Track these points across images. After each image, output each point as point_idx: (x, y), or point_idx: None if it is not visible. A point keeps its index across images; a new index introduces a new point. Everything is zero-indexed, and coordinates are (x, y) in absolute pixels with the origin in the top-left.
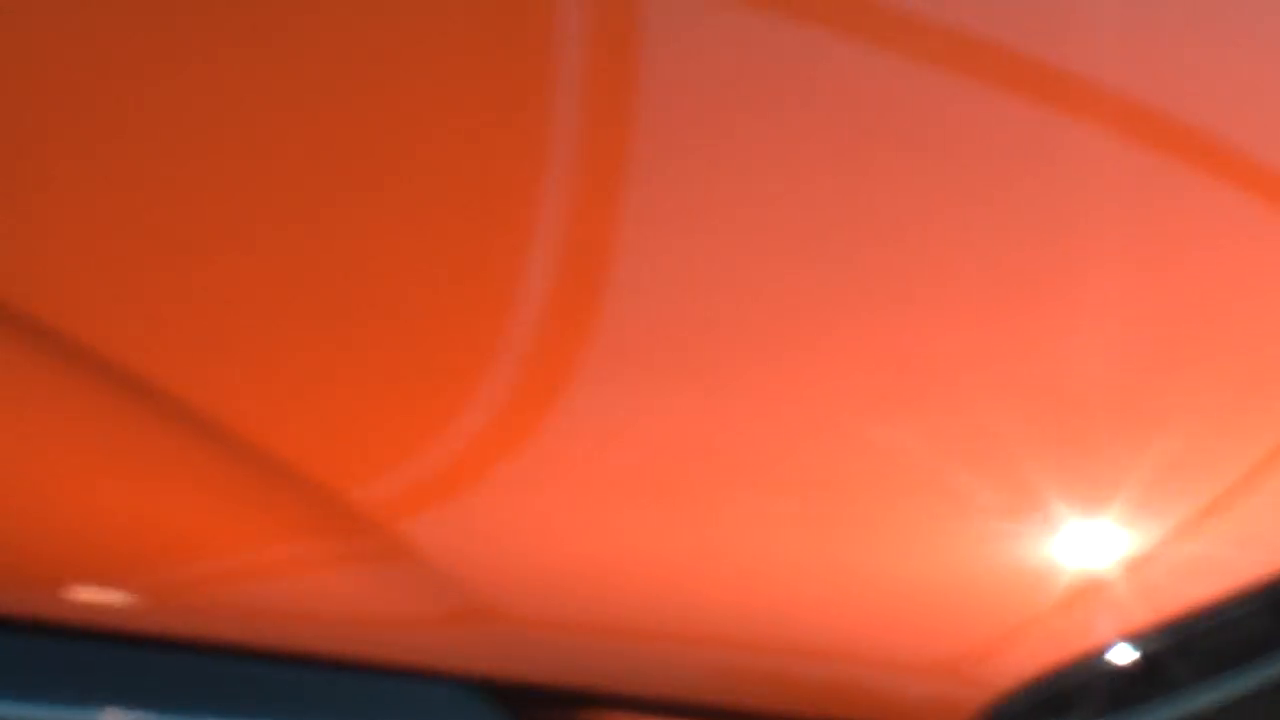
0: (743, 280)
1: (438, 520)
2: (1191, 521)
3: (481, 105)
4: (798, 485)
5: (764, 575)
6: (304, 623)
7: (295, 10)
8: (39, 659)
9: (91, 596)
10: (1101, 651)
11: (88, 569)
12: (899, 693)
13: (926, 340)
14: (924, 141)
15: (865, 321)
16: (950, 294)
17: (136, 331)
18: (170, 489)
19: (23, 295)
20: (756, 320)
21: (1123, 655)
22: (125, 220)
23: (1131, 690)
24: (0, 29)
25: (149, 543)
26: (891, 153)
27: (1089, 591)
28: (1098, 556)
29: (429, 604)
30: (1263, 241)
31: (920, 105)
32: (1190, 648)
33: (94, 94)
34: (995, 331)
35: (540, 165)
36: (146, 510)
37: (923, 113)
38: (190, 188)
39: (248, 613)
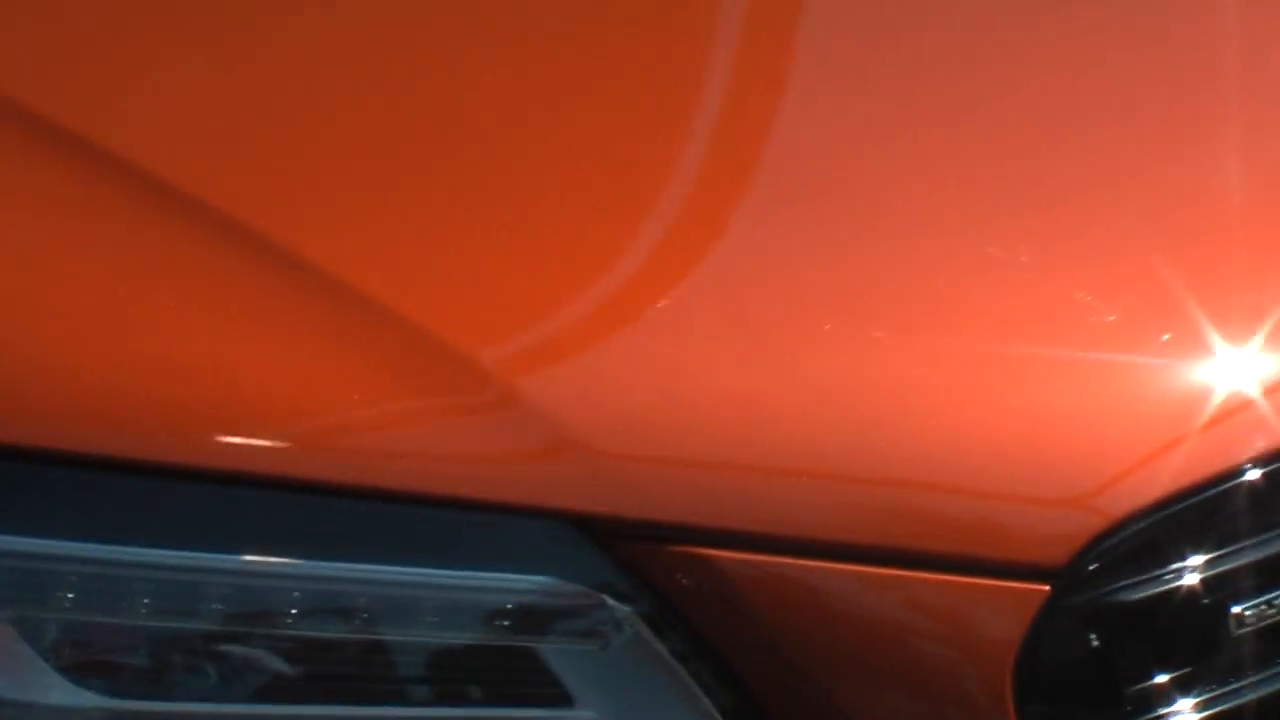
0: (885, 125)
1: (554, 373)
2: None
3: None
4: (936, 323)
5: (879, 410)
6: (405, 461)
7: None
8: (182, 504)
9: (232, 442)
10: (1235, 475)
11: (227, 417)
12: (1012, 523)
13: (1071, 168)
14: None
15: (1008, 155)
16: (1092, 118)
17: (283, 203)
18: (309, 346)
19: (172, 166)
20: (896, 165)
21: (1257, 480)
22: (253, 75)
23: (1263, 515)
24: None
25: (288, 394)
26: None
27: (1225, 417)
28: (1236, 383)
29: (526, 440)
30: None
31: None
32: None
33: None
34: (1139, 157)
35: (710, 22)
36: (288, 365)
37: None
38: (319, 32)
39: (359, 454)
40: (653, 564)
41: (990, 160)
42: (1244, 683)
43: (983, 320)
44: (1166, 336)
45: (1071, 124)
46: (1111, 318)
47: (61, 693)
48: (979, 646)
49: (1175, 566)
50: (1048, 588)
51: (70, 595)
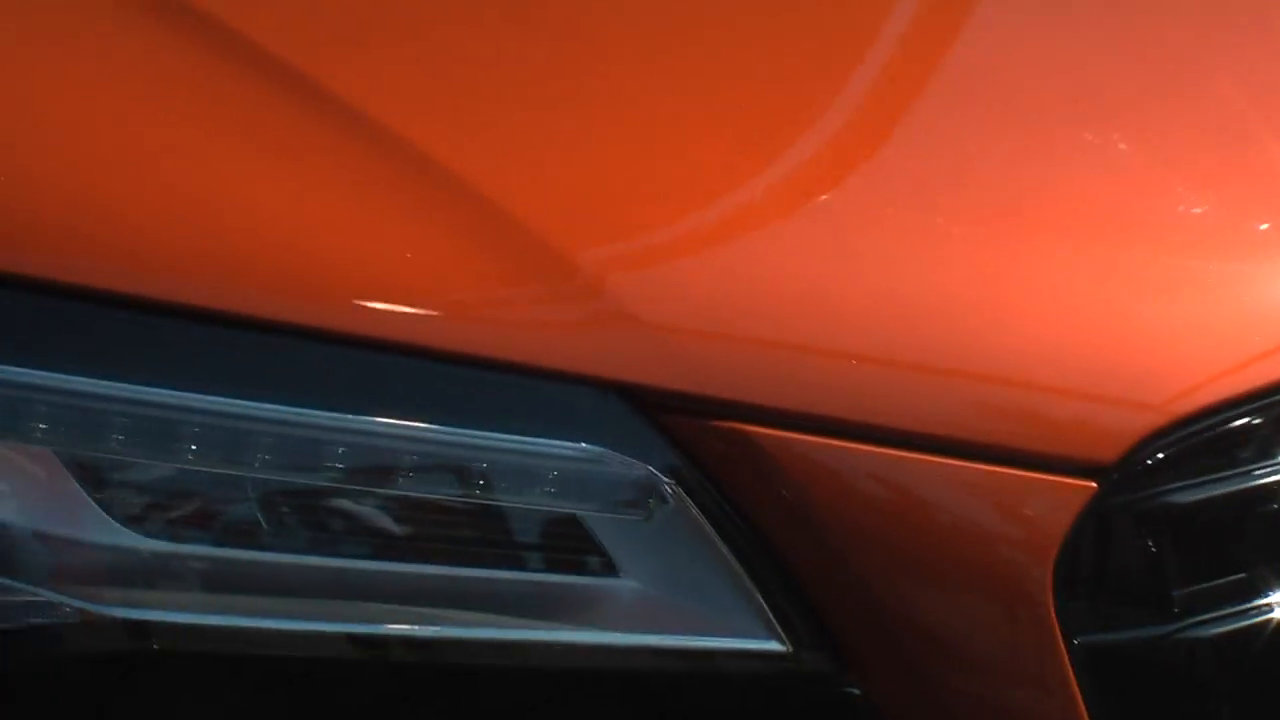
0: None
1: (615, 246)
2: None
3: None
4: (1015, 216)
5: (941, 298)
6: (459, 323)
7: None
8: (241, 354)
9: (298, 298)
10: None
11: (302, 273)
12: (1063, 417)
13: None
14: None
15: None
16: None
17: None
18: (383, 214)
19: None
20: (1002, 63)
21: None
22: None
23: None
24: None
25: (355, 255)
26: None
27: None
28: None
29: (583, 310)
30: None
31: None
32: None
33: None
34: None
35: None
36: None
37: None
38: None
39: (417, 313)
40: (701, 439)
41: (1100, 61)
42: None
43: (1063, 215)
44: (1265, 225)
45: (1225, 56)
46: (1198, 211)
47: (105, 531)
48: (1022, 541)
49: (1232, 471)
50: (1094, 485)
51: (120, 436)
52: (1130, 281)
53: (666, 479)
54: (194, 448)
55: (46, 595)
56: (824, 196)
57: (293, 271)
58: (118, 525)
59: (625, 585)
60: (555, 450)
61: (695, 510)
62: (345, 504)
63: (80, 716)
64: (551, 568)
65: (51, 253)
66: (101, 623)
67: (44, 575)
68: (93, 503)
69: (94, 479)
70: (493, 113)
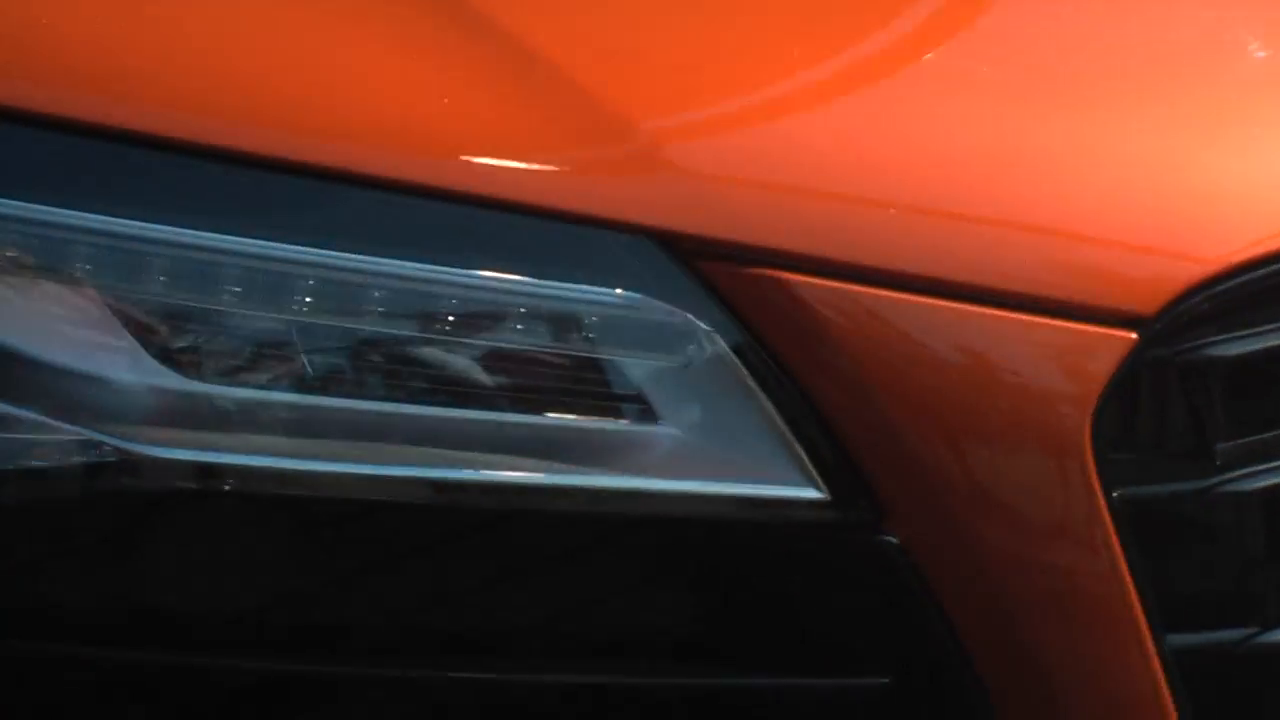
0: None
1: (658, 95)
2: None
3: None
4: (1060, 66)
5: (982, 147)
6: (499, 171)
7: None
8: (285, 199)
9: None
10: None
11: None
12: (1106, 267)
13: None
14: None
15: None
16: None
17: None
18: (476, 88)
19: None
20: None
21: None
22: None
23: None
24: None
25: (452, 123)
26: None
27: None
28: None
29: (622, 157)
30: None
31: None
32: None
33: None
34: None
35: None
36: (445, 99)
37: None
38: None
39: (466, 162)
40: (740, 287)
41: None
42: None
43: (1115, 67)
44: None
45: None
46: (1257, 61)
47: (151, 374)
48: (1062, 393)
49: (1275, 325)
50: (1135, 336)
51: (163, 278)
52: (1181, 133)
53: (705, 326)
54: (236, 290)
55: (88, 435)
56: (872, 60)
57: (342, 120)
58: (162, 366)
59: (664, 431)
60: (594, 296)
61: (734, 358)
62: (387, 350)
63: (117, 552)
64: (591, 413)
65: (97, 95)
66: (144, 463)
67: (89, 415)
68: (138, 344)
69: (139, 322)
70: None
